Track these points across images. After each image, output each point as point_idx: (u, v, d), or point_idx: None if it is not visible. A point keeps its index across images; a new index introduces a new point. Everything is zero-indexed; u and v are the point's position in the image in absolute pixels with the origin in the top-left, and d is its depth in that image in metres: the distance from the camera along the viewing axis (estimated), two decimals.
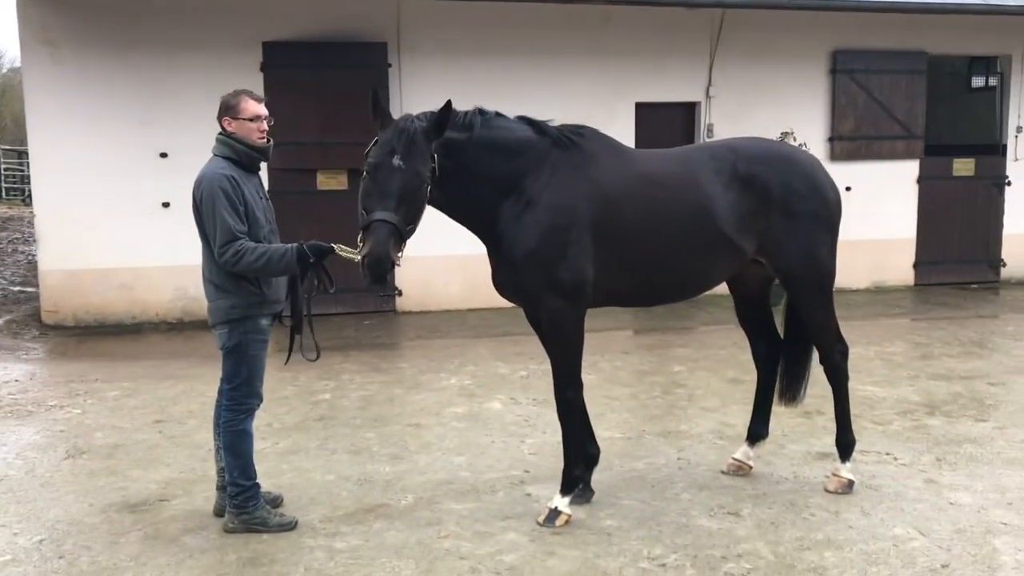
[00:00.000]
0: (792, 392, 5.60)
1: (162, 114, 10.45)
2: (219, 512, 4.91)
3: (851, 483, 5.36)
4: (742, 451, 5.70)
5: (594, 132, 5.05)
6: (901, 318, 10.99)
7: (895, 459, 5.94)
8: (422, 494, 5.31)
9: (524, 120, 4.89)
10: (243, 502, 4.70)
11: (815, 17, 11.74)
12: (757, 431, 5.69)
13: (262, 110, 4.66)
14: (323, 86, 10.69)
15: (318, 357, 4.83)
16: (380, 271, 4.22)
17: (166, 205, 10.42)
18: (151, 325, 10.54)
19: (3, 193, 26.13)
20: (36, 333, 10.11)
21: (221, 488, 4.89)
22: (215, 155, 4.65)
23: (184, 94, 10.34)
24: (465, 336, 9.91)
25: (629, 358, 8.88)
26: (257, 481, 4.78)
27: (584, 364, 8.39)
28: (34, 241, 11.79)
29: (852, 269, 12.50)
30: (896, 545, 4.65)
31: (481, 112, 4.74)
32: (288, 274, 4.63)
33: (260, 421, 6.56)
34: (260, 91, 10.51)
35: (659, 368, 8.48)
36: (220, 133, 4.66)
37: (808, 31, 12.01)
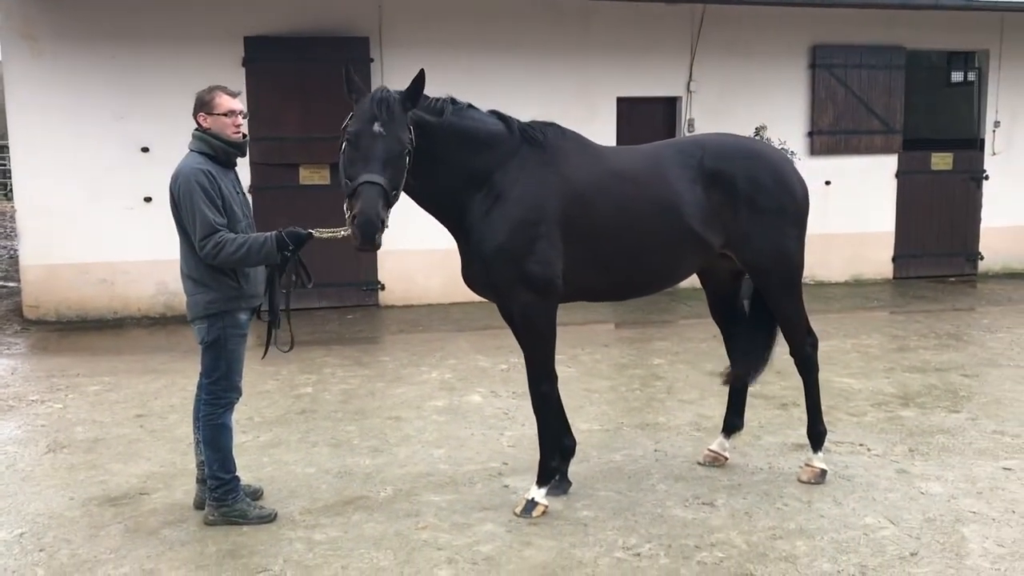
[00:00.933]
0: (746, 370, 5.63)
1: (144, 108, 10.43)
2: (199, 505, 4.95)
3: (824, 473, 5.46)
4: (718, 442, 5.79)
5: (563, 129, 5.11)
6: (879, 311, 11.10)
7: (868, 450, 6.03)
8: (401, 486, 5.36)
9: (495, 114, 4.94)
10: (223, 495, 4.74)
11: (794, 13, 11.82)
12: (732, 423, 5.78)
13: (236, 105, 4.71)
14: (305, 81, 10.69)
15: (291, 348, 4.87)
16: (371, 231, 4.26)
17: (148, 199, 10.40)
18: (133, 320, 10.54)
19: None
20: (17, 328, 10.09)
21: (201, 481, 4.93)
22: (191, 150, 4.69)
23: (166, 88, 10.31)
24: (447, 330, 9.96)
25: (609, 351, 8.96)
26: (237, 474, 4.83)
27: (564, 357, 8.53)
28: (15, 236, 11.76)
29: (831, 262, 12.66)
30: (866, 534, 4.74)
31: (453, 101, 4.80)
32: (269, 262, 4.65)
33: (242, 415, 6.63)
34: (242, 86, 10.58)
35: (639, 361, 8.55)
36: (196, 129, 4.70)
37: (788, 26, 12.09)
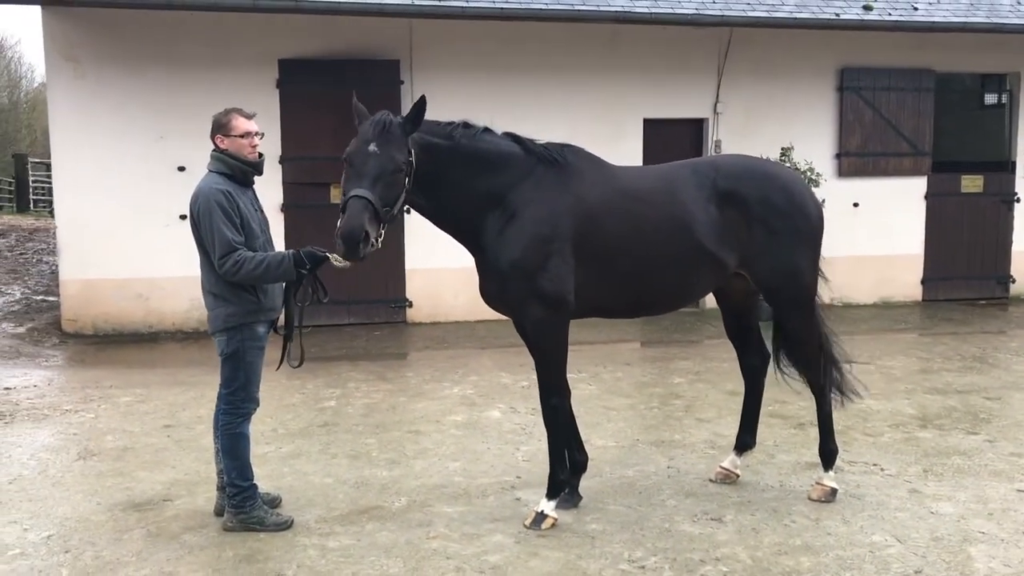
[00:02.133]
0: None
1: (180, 128, 10.71)
2: (219, 512, 5.11)
3: (834, 491, 5.49)
4: (730, 460, 5.85)
5: (578, 150, 5.25)
6: (905, 333, 11.07)
7: (882, 470, 6.05)
8: (415, 497, 5.49)
9: (511, 136, 5.09)
10: (241, 502, 4.90)
11: (822, 36, 11.87)
12: (744, 440, 5.84)
13: (252, 127, 4.91)
14: (337, 102, 10.83)
15: (301, 364, 5.02)
16: (352, 241, 4.41)
17: (183, 217, 10.54)
18: (167, 334, 10.81)
19: (32, 205, 26.69)
20: (56, 341, 10.40)
21: (221, 488, 5.09)
22: (210, 171, 4.89)
23: (202, 109, 10.40)
24: (472, 347, 10.10)
25: (631, 369, 9.03)
26: (255, 482, 4.98)
27: (586, 375, 8.63)
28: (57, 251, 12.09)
29: (859, 284, 12.64)
30: (872, 551, 4.77)
31: (466, 125, 4.96)
32: (286, 279, 4.84)
33: (265, 426, 6.83)
34: (276, 107, 10.88)
35: (660, 380, 8.62)
36: (214, 150, 4.91)
37: (816, 49, 12.15)
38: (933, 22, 11.22)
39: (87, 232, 10.65)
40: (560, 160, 5.10)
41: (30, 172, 26.77)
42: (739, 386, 7.89)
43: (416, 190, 4.76)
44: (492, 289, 5.12)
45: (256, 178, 5.07)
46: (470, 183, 4.90)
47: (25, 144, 33.29)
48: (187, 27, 10.68)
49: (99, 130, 10.61)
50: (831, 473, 5.57)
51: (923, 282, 12.94)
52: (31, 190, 26.92)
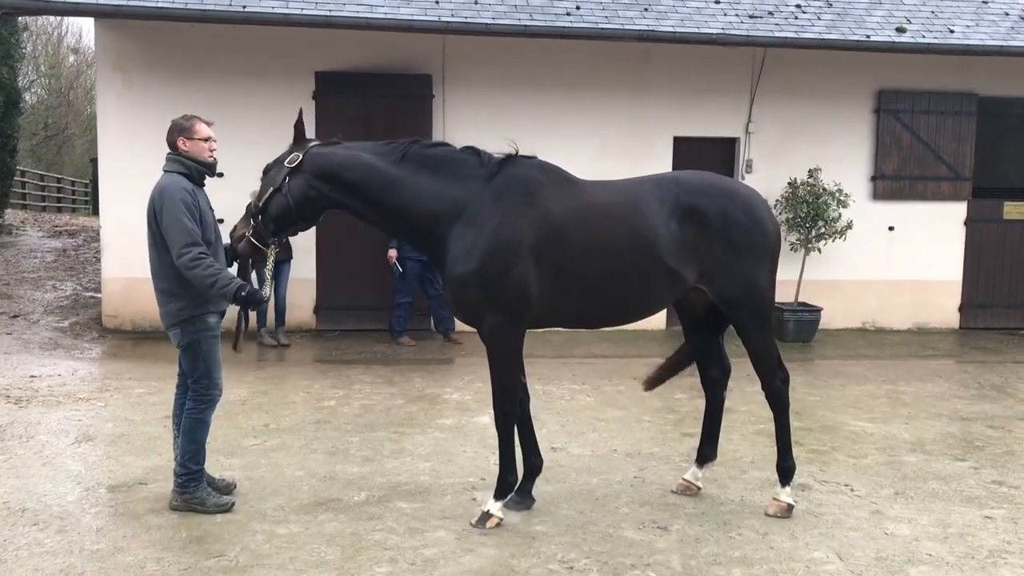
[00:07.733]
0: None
1: (222, 137, 10.91)
2: None
3: (790, 508, 5.50)
4: (691, 472, 5.90)
5: (544, 163, 5.39)
6: (931, 360, 10.83)
7: (852, 490, 6.02)
8: (376, 493, 5.68)
9: (470, 150, 5.27)
10: (186, 483, 5.19)
11: (859, 57, 11.74)
12: (705, 453, 5.89)
13: (212, 133, 5.29)
14: (371, 114, 11.28)
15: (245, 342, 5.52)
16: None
17: (220, 221, 11.02)
18: None
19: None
20: (95, 335, 10.91)
21: None
22: (167, 171, 5.21)
23: (242, 118, 11.04)
24: None
25: (635, 383, 9.02)
26: (203, 467, 5.27)
27: (588, 387, 8.73)
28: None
29: (893, 309, 12.46)
30: (808, 567, 4.78)
31: (414, 141, 5.18)
32: (222, 299, 5.16)
33: (259, 422, 7.12)
34: (312, 117, 11.26)
35: (660, 394, 8.55)
36: (170, 153, 5.24)
37: (852, 71, 12.03)
38: (969, 45, 11.00)
39: (130, 233, 11.09)
40: (523, 172, 5.26)
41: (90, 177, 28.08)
42: (737, 403, 7.98)
43: (364, 207, 5.24)
44: (449, 296, 5.32)
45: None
46: (426, 194, 5.11)
47: None
48: (228, 40, 11.13)
49: (143, 137, 11.05)
50: (788, 489, 5.58)
51: (961, 309, 12.65)
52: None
